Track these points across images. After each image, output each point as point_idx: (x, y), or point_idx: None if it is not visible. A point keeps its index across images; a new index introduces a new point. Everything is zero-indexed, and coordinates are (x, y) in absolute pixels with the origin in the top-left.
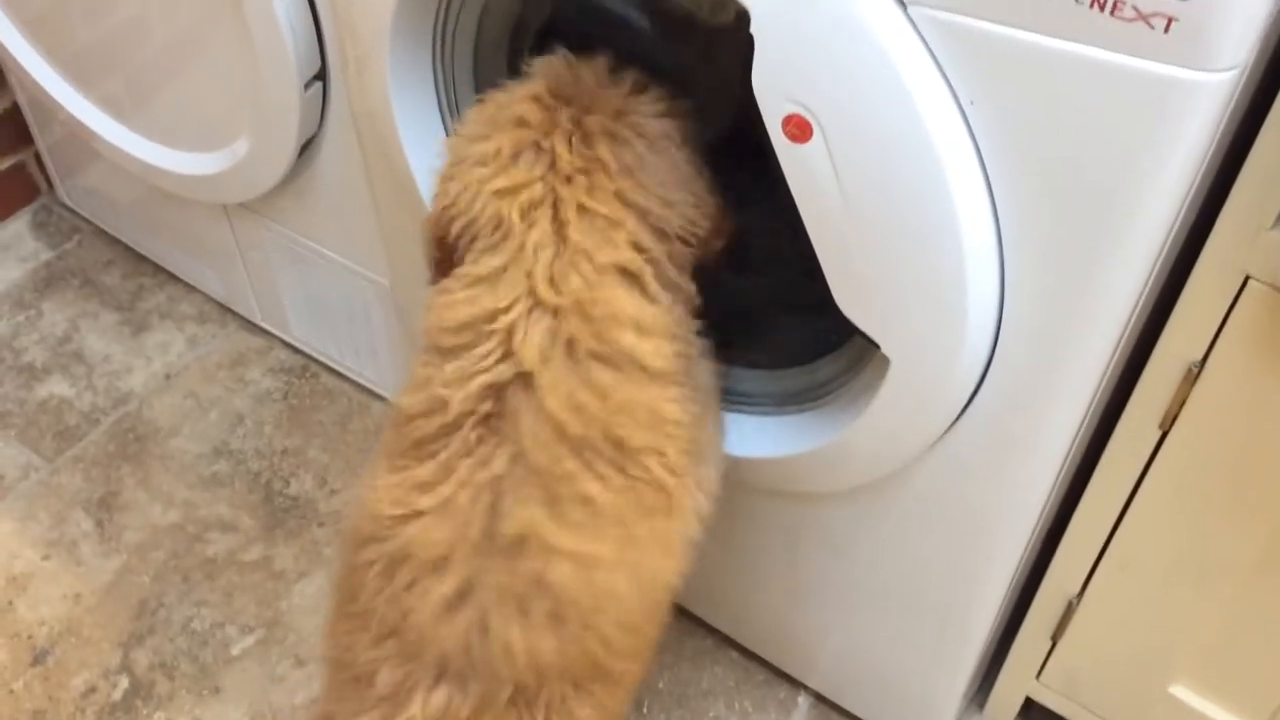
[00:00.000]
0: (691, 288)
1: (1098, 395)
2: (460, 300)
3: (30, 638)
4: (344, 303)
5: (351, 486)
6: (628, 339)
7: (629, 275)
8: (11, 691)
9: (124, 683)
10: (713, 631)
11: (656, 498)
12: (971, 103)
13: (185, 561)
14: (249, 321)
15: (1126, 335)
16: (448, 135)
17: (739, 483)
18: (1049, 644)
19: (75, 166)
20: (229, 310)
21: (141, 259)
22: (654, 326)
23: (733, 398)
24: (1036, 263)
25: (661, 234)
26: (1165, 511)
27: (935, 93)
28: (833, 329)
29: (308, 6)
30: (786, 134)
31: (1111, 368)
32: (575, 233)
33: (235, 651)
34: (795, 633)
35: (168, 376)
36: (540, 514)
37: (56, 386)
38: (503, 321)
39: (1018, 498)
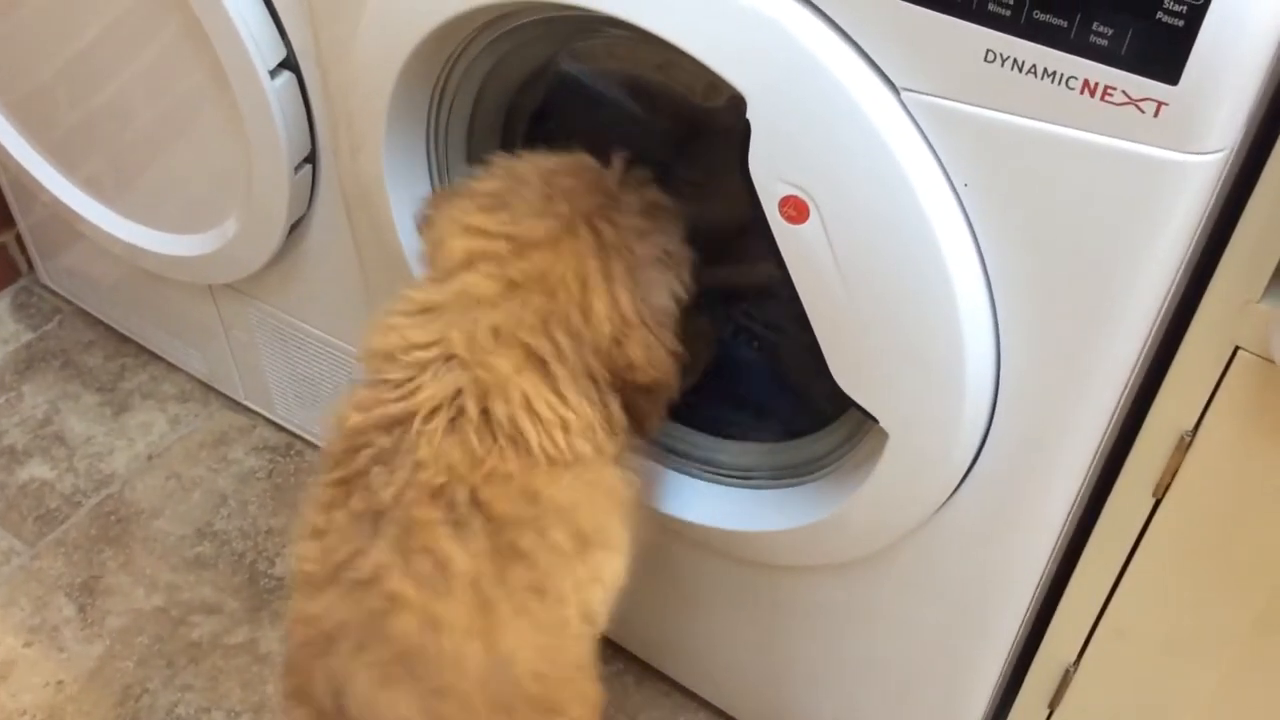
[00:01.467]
0: (614, 407)
1: (1093, 464)
2: (391, 326)
3: None
4: (330, 380)
5: None
6: (520, 419)
7: (539, 361)
8: None
9: None
10: (707, 705)
11: (526, 574)
12: (965, 185)
13: (169, 646)
14: (232, 400)
15: (1120, 405)
16: None
17: (727, 554)
18: (1046, 712)
19: (56, 247)
20: (211, 389)
21: (123, 339)
22: (550, 416)
23: (728, 472)
24: (1032, 337)
25: (592, 348)
26: (1161, 578)
27: (929, 175)
28: (829, 402)
29: (299, 90)
30: (783, 215)
31: (1106, 437)
32: (513, 302)
33: None
34: (784, 702)
35: (150, 457)
36: (392, 558)
37: (37, 469)
38: (416, 357)
39: (1015, 567)
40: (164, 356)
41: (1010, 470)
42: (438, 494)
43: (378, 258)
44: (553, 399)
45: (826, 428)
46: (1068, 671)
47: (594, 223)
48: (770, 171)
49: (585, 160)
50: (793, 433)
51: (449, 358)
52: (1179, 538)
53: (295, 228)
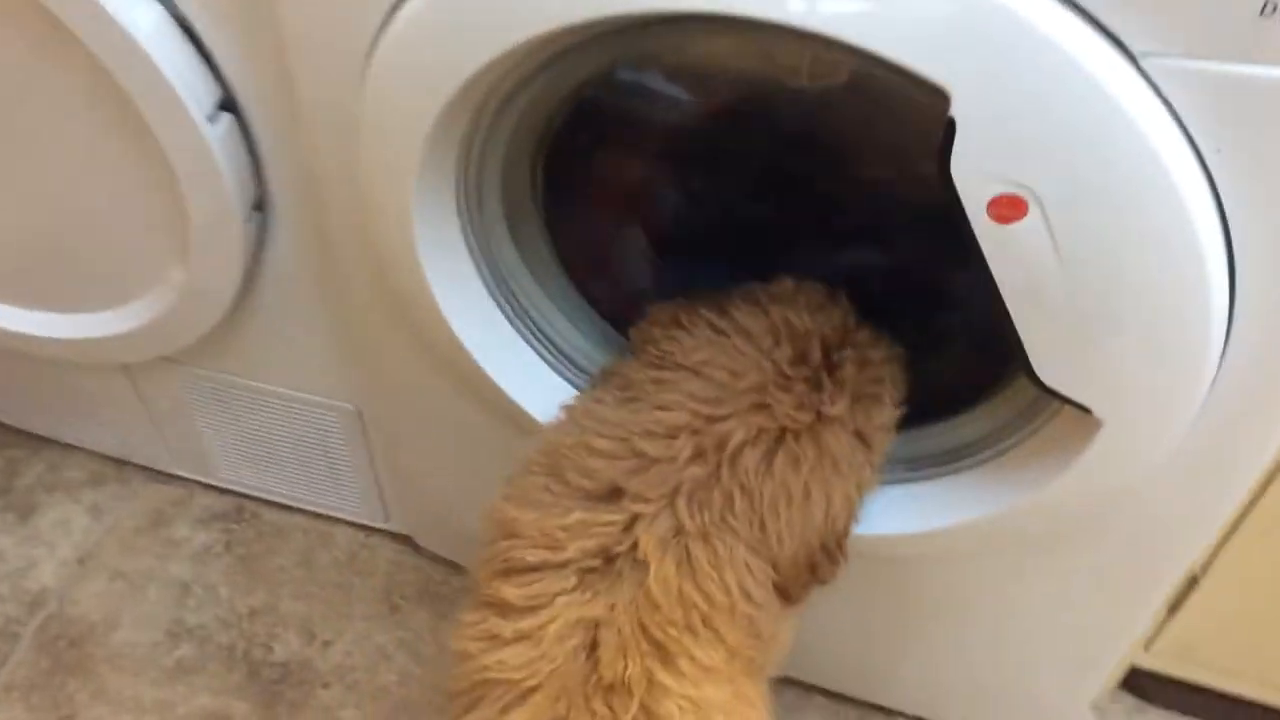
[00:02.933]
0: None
1: None
2: (607, 447)
3: None
4: (291, 435)
5: (346, 632)
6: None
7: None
8: None
9: None
10: (793, 683)
11: (748, 666)
12: (1219, 150)
13: None
14: (156, 471)
15: None
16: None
17: (873, 556)
18: (1164, 615)
19: None
20: (126, 464)
21: (0, 428)
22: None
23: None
24: (1267, 310)
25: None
26: None
27: (1175, 146)
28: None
29: (240, 133)
30: (993, 216)
31: None
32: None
33: None
34: (890, 666)
35: (81, 561)
36: (650, 664)
37: None
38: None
39: (1205, 520)
40: (56, 439)
41: (1219, 444)
42: (674, 618)
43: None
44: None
45: (981, 406)
46: (1195, 576)
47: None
48: (980, 172)
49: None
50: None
51: (665, 508)
52: None
53: (248, 283)
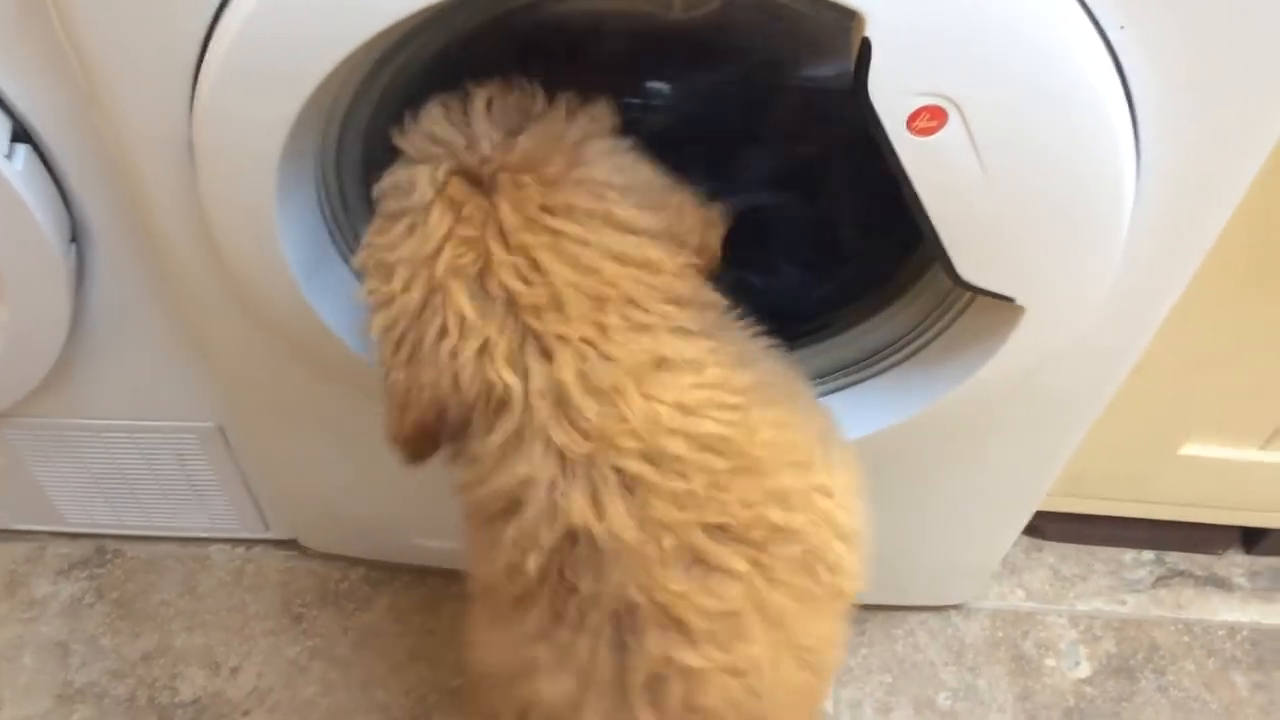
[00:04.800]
0: (715, 296)
1: None
2: (487, 474)
3: None
4: (145, 466)
5: (252, 654)
6: (687, 426)
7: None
8: None
9: None
10: None
11: (795, 553)
12: (1122, 27)
13: None
14: None
15: None
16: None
17: None
18: None
19: None
20: None
21: None
22: (706, 384)
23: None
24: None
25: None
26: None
27: (1083, 30)
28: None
29: (41, 163)
30: (914, 130)
31: None
32: (569, 354)
33: None
34: None
35: None
36: (670, 640)
37: None
38: (539, 488)
39: (1108, 380)
40: None
41: (1125, 310)
42: (669, 559)
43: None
44: (691, 377)
45: (897, 303)
46: None
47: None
48: (899, 88)
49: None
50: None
51: (565, 466)
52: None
53: (74, 318)
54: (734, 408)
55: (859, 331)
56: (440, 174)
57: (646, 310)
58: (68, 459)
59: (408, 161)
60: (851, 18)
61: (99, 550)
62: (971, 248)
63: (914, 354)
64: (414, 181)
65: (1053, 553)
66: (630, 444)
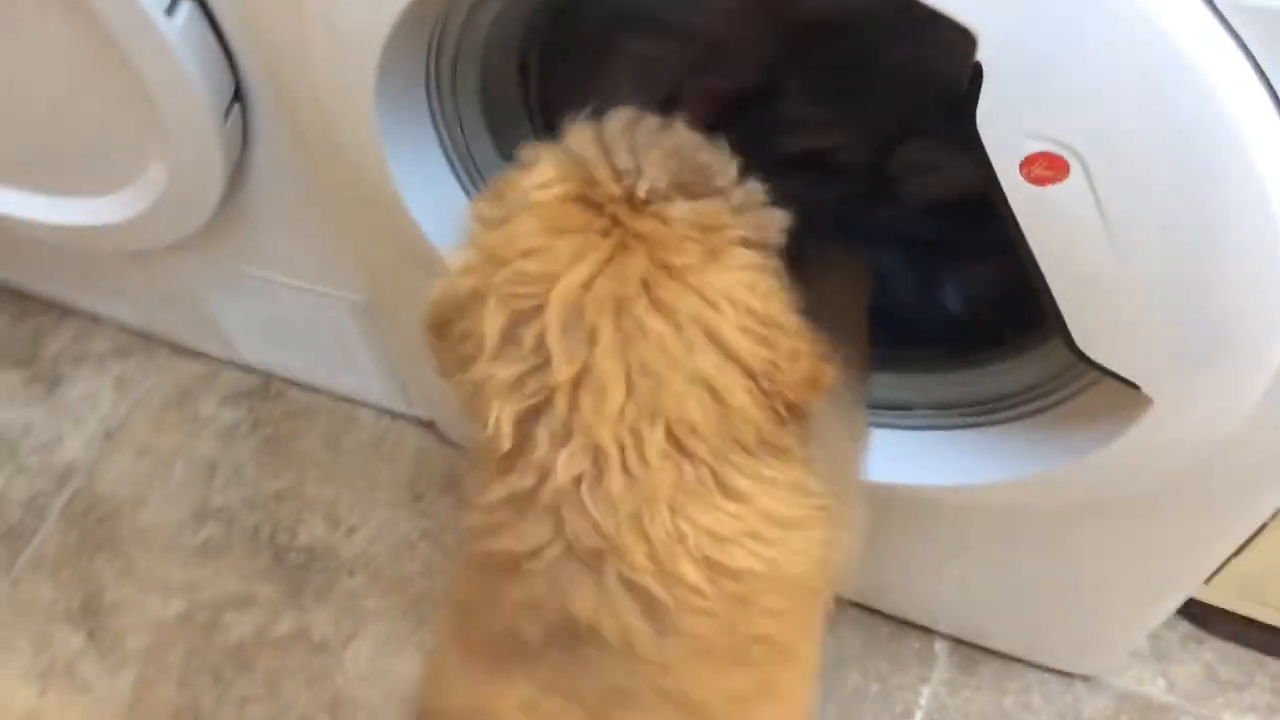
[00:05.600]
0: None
1: None
2: (490, 526)
3: None
4: (304, 322)
5: (370, 519)
6: (713, 554)
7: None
8: None
9: None
10: None
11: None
12: None
13: (209, 657)
14: (181, 346)
15: None
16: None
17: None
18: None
19: None
20: (152, 336)
21: (25, 295)
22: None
23: (921, 413)
24: None
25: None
26: None
27: (1249, 94)
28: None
29: (206, 23)
30: (1028, 177)
31: None
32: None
33: None
34: (929, 590)
35: (108, 435)
36: None
37: None
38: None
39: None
40: (81, 309)
41: None
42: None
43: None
44: (732, 507)
45: (1020, 356)
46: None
47: (648, 293)
48: (1013, 127)
49: (560, 192)
50: (962, 358)
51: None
52: None
53: (234, 177)
54: (770, 542)
55: (992, 370)
56: (565, 189)
57: (703, 441)
58: (239, 299)
59: (547, 160)
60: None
61: (265, 386)
62: (1091, 319)
63: (1043, 410)
64: (533, 184)
65: (1213, 650)
66: (644, 562)
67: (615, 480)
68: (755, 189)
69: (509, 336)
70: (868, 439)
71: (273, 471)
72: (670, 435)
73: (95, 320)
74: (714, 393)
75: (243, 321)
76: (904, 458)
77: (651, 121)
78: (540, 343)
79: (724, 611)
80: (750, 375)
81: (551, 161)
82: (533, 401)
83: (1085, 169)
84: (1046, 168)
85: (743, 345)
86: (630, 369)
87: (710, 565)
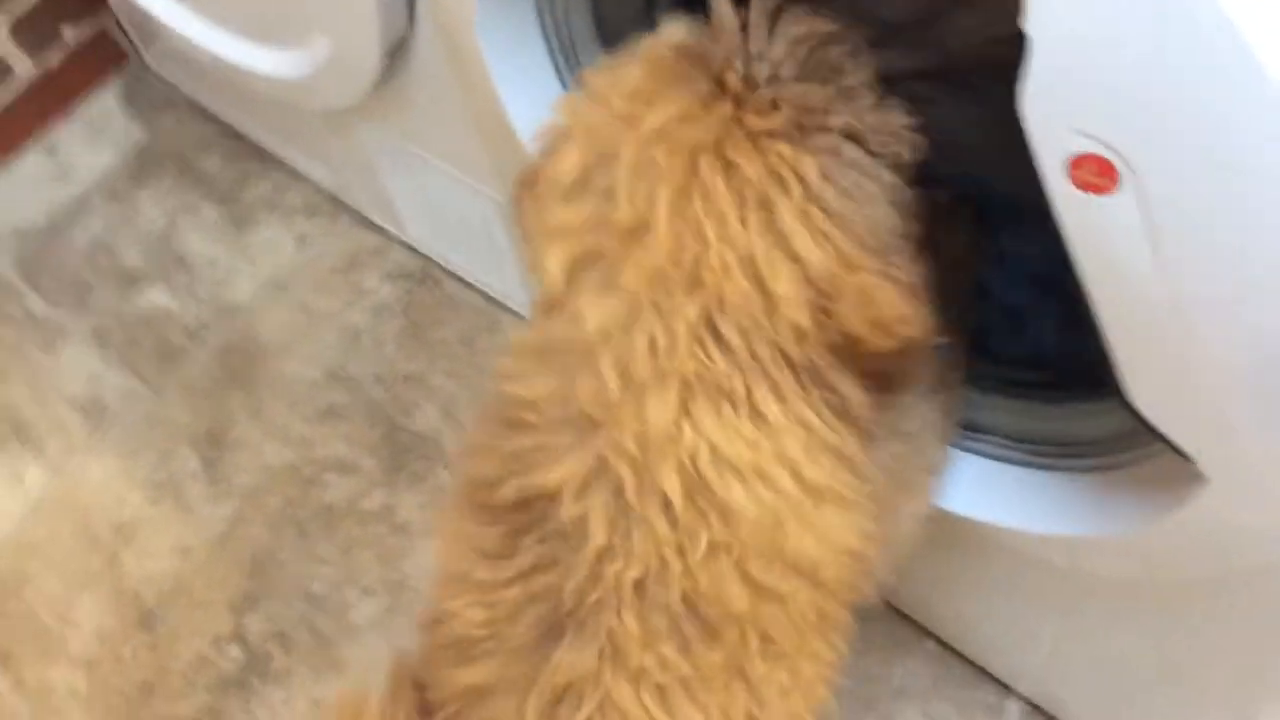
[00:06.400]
0: (848, 389)
1: None
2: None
3: (138, 597)
4: (459, 214)
5: None
6: (711, 479)
7: (711, 388)
8: (119, 659)
9: (236, 653)
10: (906, 619)
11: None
12: None
13: (301, 510)
14: (362, 216)
15: None
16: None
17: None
18: None
19: (156, 32)
20: (340, 202)
21: (240, 138)
22: (752, 457)
23: (1002, 441)
24: None
25: (790, 334)
26: None
27: None
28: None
29: None
30: (1075, 180)
31: None
32: (643, 320)
33: (357, 620)
34: (1019, 644)
35: (277, 284)
36: (598, 667)
37: (157, 296)
38: (542, 417)
39: None
40: (286, 162)
41: None
42: (639, 591)
43: (479, 106)
44: (750, 430)
45: (1100, 403)
46: None
47: (719, 150)
48: (1058, 117)
49: (678, 43)
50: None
51: (581, 418)
52: None
53: (399, 50)
54: (781, 494)
55: (1071, 411)
56: (683, 47)
57: (741, 335)
58: (407, 178)
59: (679, 26)
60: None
61: (425, 271)
62: (1141, 366)
63: (1111, 468)
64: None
65: None
66: (630, 447)
67: (638, 344)
68: (889, 102)
69: (583, 180)
70: (947, 456)
71: (409, 354)
72: (705, 314)
73: (295, 176)
74: (758, 281)
75: (411, 204)
76: (964, 483)
77: (798, 12)
78: (612, 187)
79: (690, 551)
80: (808, 280)
81: (682, 27)
82: (588, 247)
83: (1137, 183)
84: (1096, 174)
85: (799, 236)
86: (684, 229)
87: (697, 485)
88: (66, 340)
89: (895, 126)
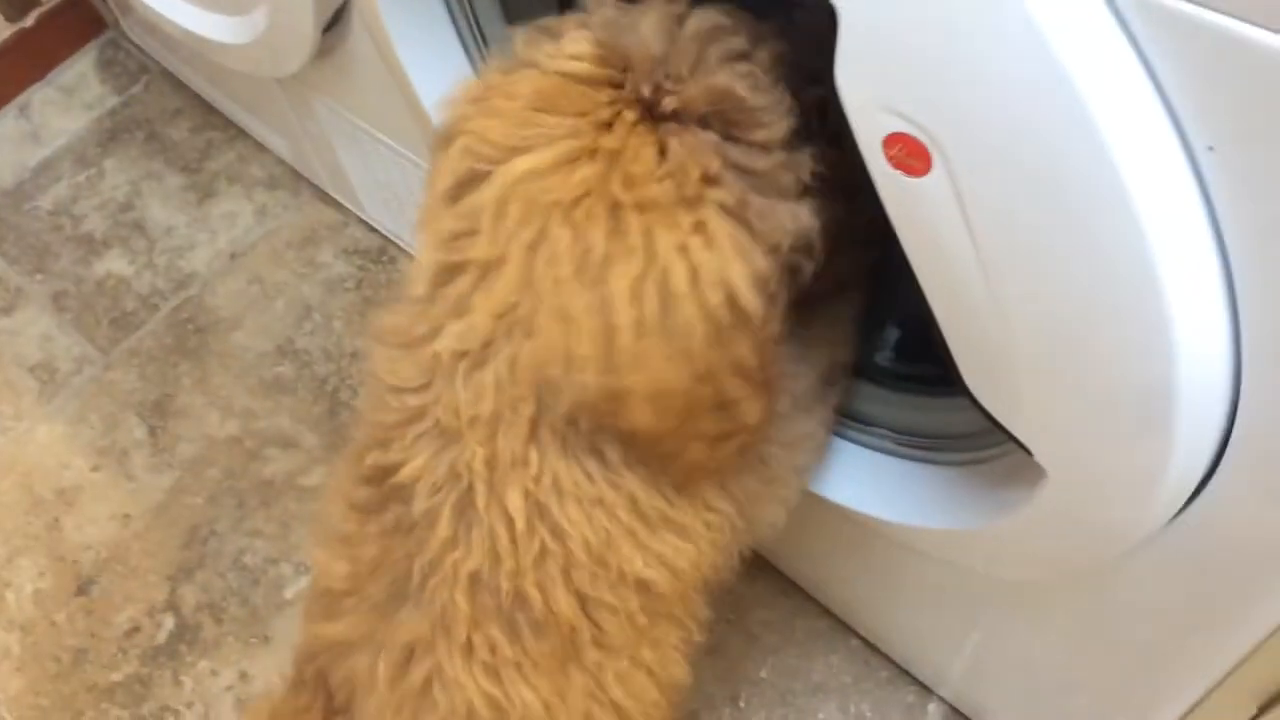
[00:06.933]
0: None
1: None
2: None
3: (76, 563)
4: (409, 192)
5: None
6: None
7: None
8: (54, 624)
9: (169, 623)
10: (830, 614)
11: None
12: (1211, 148)
13: (240, 483)
14: (323, 191)
15: None
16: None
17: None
18: (1253, 712)
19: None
20: (301, 177)
21: (210, 109)
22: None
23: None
24: None
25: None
26: None
27: (1146, 129)
28: None
29: None
30: (891, 160)
31: None
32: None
33: (288, 594)
34: (938, 643)
35: (233, 255)
36: (432, 635)
37: (115, 263)
38: (404, 406)
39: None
40: (251, 134)
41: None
42: (473, 580)
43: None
44: (593, 465)
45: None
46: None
47: (571, 212)
48: (870, 96)
49: (579, 57)
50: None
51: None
52: None
53: (336, 22)
54: (623, 528)
55: (944, 405)
56: (588, 68)
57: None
58: (358, 154)
59: (586, 34)
60: None
61: (382, 250)
62: (975, 360)
63: (978, 462)
64: (560, 50)
65: None
66: (480, 468)
67: (489, 376)
68: (802, 161)
69: (458, 190)
70: (824, 444)
71: (358, 330)
72: (541, 361)
73: (260, 149)
74: (578, 344)
75: (365, 180)
76: (848, 476)
77: (736, 41)
78: (477, 211)
79: (523, 555)
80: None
81: (588, 38)
82: (455, 259)
83: (947, 166)
84: (906, 154)
85: (624, 312)
86: (530, 276)
87: (538, 507)
88: (26, 303)
89: (788, 221)
